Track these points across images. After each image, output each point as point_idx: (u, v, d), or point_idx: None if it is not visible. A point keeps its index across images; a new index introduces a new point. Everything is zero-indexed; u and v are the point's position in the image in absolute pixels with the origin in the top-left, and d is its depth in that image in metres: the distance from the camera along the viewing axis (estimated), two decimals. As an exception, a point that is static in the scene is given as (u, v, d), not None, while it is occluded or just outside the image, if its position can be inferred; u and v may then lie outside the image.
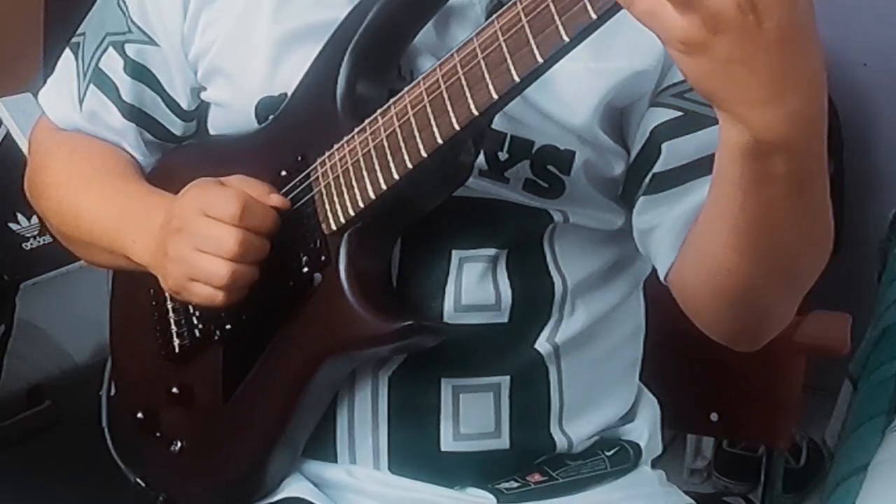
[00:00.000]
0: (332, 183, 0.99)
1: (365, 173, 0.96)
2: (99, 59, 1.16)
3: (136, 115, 1.16)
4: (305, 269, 1.02)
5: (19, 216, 1.94)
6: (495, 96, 0.87)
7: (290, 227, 1.02)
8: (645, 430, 1.18)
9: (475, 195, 1.02)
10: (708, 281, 0.97)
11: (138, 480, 1.18)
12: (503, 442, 1.08)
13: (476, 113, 0.88)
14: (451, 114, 0.90)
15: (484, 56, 0.87)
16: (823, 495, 1.66)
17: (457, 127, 0.90)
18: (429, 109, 0.91)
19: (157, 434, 1.14)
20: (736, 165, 0.84)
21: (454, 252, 1.04)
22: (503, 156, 1.02)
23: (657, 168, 1.02)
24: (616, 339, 1.14)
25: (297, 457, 1.08)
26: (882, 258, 2.30)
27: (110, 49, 1.15)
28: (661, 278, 1.05)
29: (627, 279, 1.14)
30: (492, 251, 1.05)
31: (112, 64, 1.15)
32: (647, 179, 1.03)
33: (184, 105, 1.15)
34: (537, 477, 1.10)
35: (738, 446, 2.47)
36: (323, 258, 1.01)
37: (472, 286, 1.04)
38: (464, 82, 0.88)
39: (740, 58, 0.75)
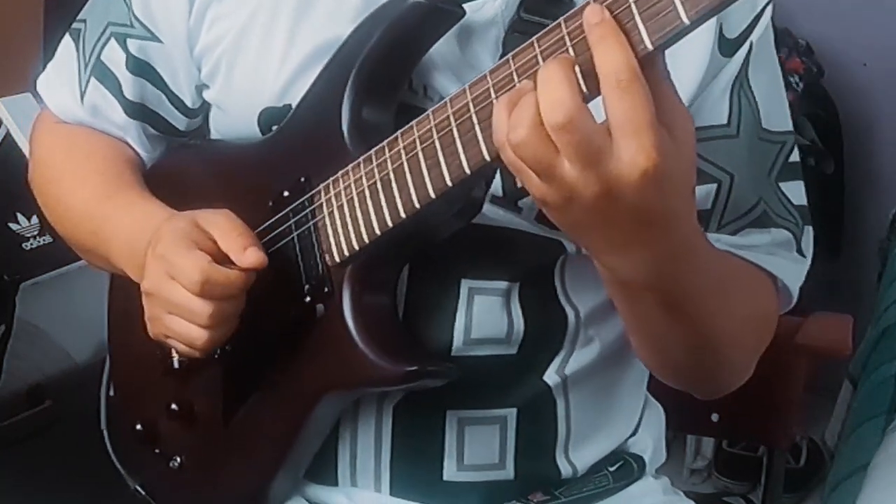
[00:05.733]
0: (337, 212, 0.96)
1: (370, 207, 0.92)
2: (101, 50, 1.13)
3: (139, 112, 1.14)
4: (308, 300, 0.99)
5: (19, 216, 1.93)
6: None
7: (293, 252, 1.00)
8: (649, 442, 1.16)
9: (485, 223, 0.98)
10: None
11: (137, 488, 1.17)
12: (507, 473, 1.07)
13: (488, 159, 0.83)
14: (462, 156, 0.85)
15: (498, 94, 0.82)
16: (823, 495, 1.66)
17: (468, 171, 0.85)
18: (438, 147, 0.86)
19: (157, 450, 1.13)
20: (609, 284, 0.90)
21: (464, 282, 1.01)
22: (519, 184, 0.98)
23: None
24: (627, 362, 1.11)
25: (298, 480, 1.07)
26: (882, 258, 2.30)
27: (112, 41, 1.12)
28: None
29: None
30: (504, 283, 1.02)
31: (114, 57, 1.12)
32: None
33: (188, 103, 1.12)
34: (539, 496, 1.08)
35: (738, 446, 2.48)
36: (326, 290, 0.98)
37: (484, 318, 1.02)
38: (475, 122, 0.83)
39: (593, 222, 0.79)
